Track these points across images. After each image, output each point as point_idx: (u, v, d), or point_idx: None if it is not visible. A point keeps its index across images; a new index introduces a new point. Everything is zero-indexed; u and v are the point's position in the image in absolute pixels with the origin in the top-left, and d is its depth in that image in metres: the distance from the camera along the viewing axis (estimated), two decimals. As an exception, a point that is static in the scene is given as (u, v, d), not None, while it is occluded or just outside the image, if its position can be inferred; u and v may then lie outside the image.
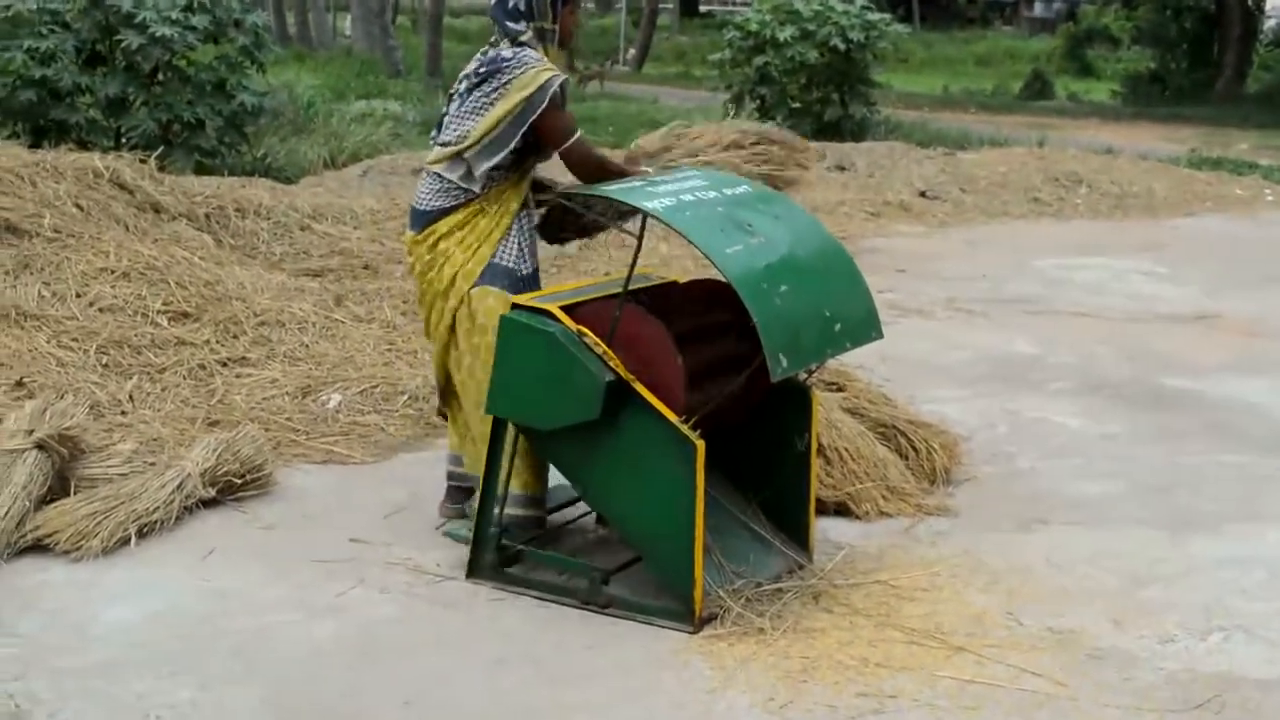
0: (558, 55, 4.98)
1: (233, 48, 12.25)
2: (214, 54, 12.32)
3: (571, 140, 4.83)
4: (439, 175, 4.90)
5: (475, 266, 4.85)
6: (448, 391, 5.08)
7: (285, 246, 8.98)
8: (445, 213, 4.88)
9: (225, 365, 6.72)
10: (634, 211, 4.55)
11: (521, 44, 4.87)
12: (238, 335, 7.03)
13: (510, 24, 4.89)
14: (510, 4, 4.90)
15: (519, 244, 4.90)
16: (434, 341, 5.01)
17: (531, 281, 4.93)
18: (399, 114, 17.74)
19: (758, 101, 18.72)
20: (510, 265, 4.87)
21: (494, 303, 4.82)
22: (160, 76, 11.91)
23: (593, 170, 4.89)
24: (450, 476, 5.20)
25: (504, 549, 4.69)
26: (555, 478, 4.89)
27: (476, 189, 4.84)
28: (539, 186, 5.02)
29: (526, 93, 4.76)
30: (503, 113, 4.77)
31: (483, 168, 4.82)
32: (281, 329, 7.20)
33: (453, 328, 4.91)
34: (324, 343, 7.15)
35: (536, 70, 4.79)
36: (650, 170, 4.99)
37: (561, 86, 4.83)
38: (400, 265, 8.83)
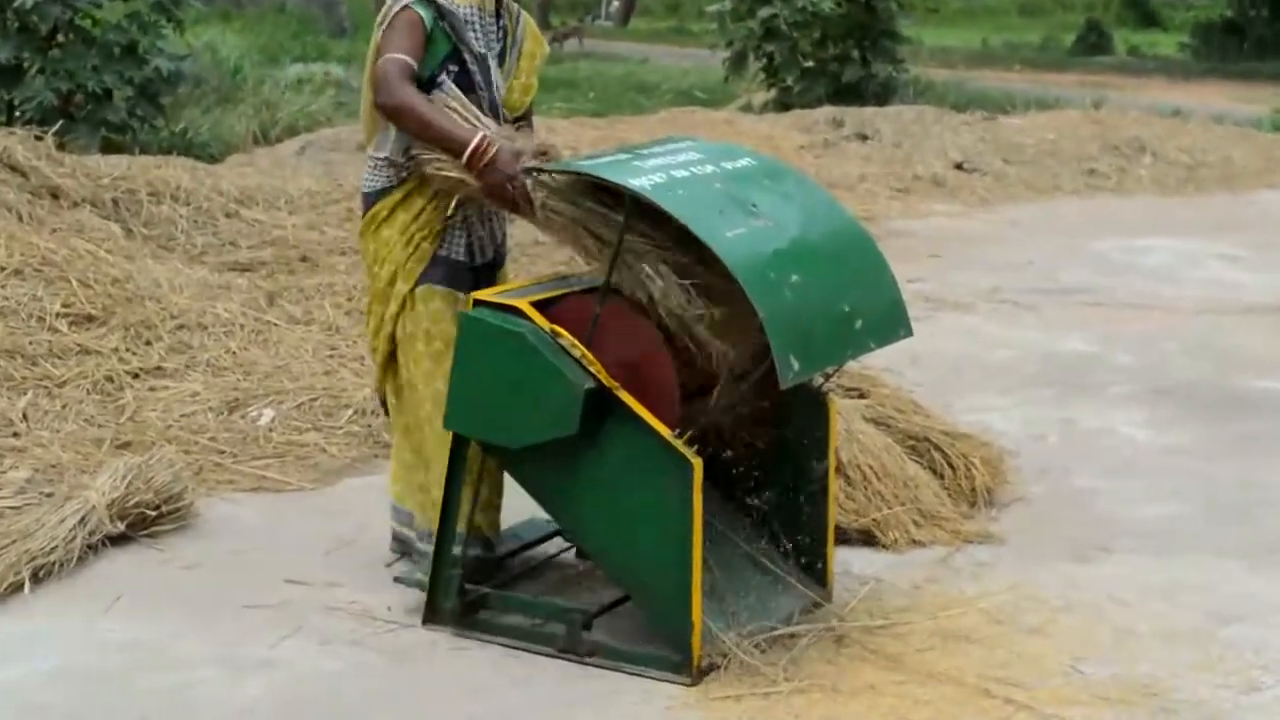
0: None
1: (145, 4, 12.23)
2: (123, 11, 12.32)
3: (379, 70, 4.64)
4: (370, 154, 4.86)
5: (416, 264, 4.79)
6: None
7: (208, 237, 8.96)
8: (383, 194, 4.83)
9: (137, 377, 6.69)
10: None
11: None
12: (152, 341, 7.00)
13: None
14: None
15: (468, 230, 4.84)
16: (373, 350, 4.97)
17: (488, 272, 4.89)
18: (342, 79, 17.74)
19: (764, 61, 18.75)
20: (459, 258, 4.81)
21: (440, 305, 4.78)
22: (60, 39, 11.90)
23: (403, 117, 4.60)
24: (396, 537, 5.15)
25: (466, 594, 4.66)
26: (528, 506, 4.86)
27: (403, 160, 4.76)
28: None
29: (382, 27, 4.71)
30: (371, 58, 4.73)
31: (390, 135, 4.76)
32: (204, 333, 7.18)
33: (394, 340, 4.85)
34: (254, 349, 7.13)
35: None
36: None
37: (433, 8, 4.68)
38: (344, 258, 8.83)
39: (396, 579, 4.91)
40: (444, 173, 4.65)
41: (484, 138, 4.55)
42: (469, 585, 4.66)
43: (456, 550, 4.65)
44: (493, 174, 4.54)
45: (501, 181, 4.53)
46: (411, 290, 4.79)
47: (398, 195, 4.80)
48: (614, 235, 4.34)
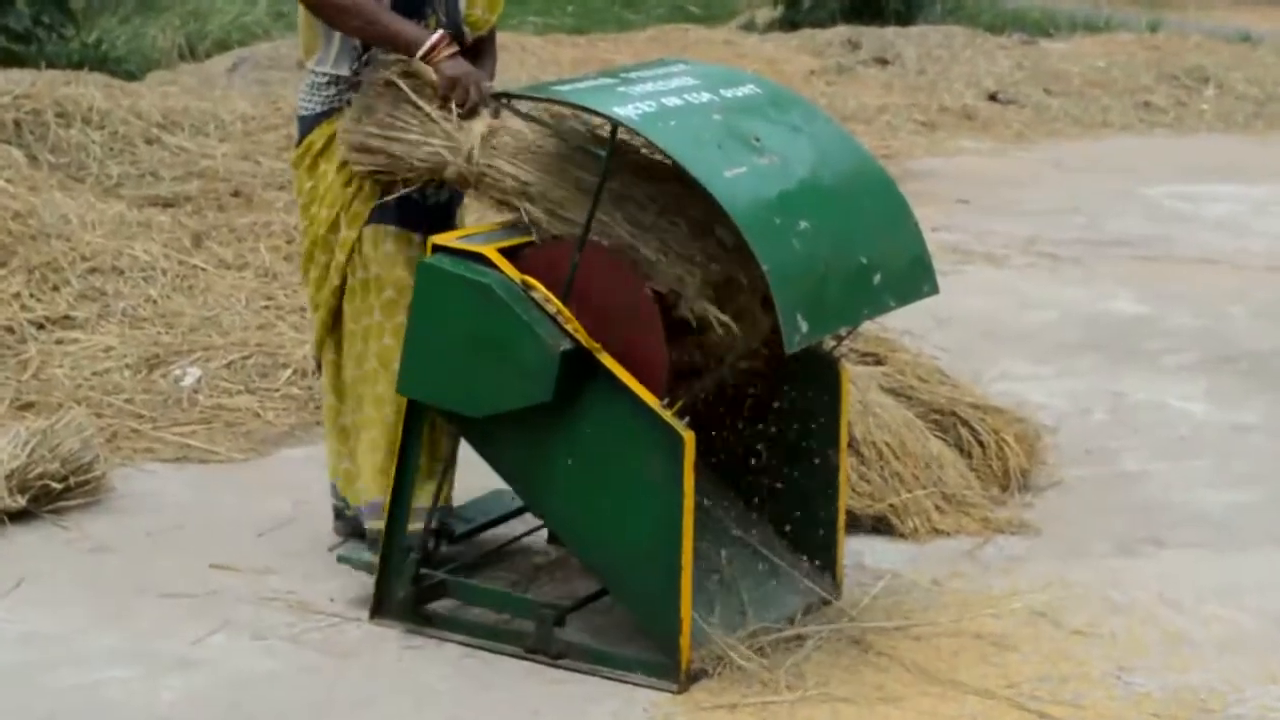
0: None
1: (53, -107, 12.18)
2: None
3: None
4: (309, 69, 4.85)
5: (363, 205, 4.77)
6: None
7: (125, 166, 8.94)
8: (320, 118, 4.82)
9: (42, 328, 6.71)
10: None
11: None
12: (59, 287, 7.01)
13: None
14: None
15: None
16: (314, 307, 4.94)
17: (443, 211, 4.86)
18: (282, -15, 17.68)
19: (770, -29, 18.70)
20: (413, 196, 4.78)
21: (392, 248, 4.76)
22: (-48, -69, 11.84)
23: (344, 15, 4.61)
24: (338, 514, 5.14)
25: (421, 579, 4.66)
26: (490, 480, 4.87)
27: (346, 72, 4.75)
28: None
29: None
30: None
31: (334, 46, 4.73)
32: (119, 278, 7.17)
33: (342, 291, 4.83)
34: (178, 297, 7.13)
35: None
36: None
37: None
38: (282, 193, 8.81)
39: (340, 558, 4.91)
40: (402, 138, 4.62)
41: (443, 34, 4.61)
42: (425, 571, 4.67)
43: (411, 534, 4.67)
44: (455, 67, 4.58)
45: (462, 76, 4.56)
46: (359, 234, 4.77)
47: (336, 121, 4.76)
48: (594, 178, 4.34)
